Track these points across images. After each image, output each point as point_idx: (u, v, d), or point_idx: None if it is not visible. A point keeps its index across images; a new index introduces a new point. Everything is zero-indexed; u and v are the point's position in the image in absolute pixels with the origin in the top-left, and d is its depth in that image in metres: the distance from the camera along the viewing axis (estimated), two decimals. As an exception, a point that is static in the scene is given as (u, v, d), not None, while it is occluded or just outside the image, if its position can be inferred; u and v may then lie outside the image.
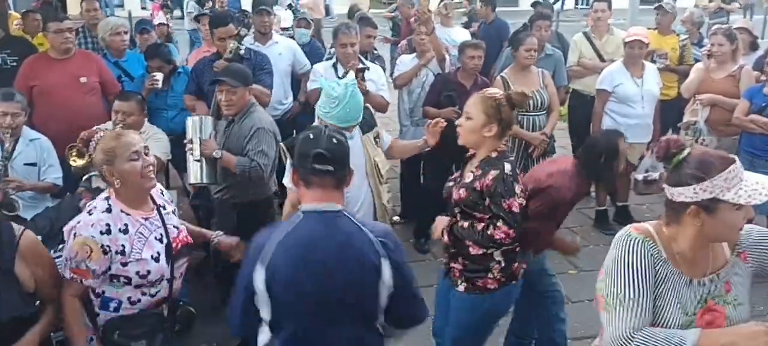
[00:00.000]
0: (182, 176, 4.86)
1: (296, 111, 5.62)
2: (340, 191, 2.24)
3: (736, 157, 1.89)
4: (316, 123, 3.38)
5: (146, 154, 2.63)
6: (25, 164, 3.98)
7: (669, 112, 5.95)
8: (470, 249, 2.96)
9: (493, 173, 2.83)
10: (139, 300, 2.64)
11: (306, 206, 2.20)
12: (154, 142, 4.13)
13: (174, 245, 2.70)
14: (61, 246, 3.14)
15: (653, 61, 5.89)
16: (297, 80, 5.72)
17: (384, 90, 5.12)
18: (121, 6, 17.55)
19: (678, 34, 6.56)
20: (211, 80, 4.15)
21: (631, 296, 1.87)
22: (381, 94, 5.03)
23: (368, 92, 4.92)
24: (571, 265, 5.03)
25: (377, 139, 3.65)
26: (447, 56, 5.63)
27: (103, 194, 2.66)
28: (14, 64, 5.25)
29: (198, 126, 3.79)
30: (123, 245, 2.53)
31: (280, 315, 2.16)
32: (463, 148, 5.21)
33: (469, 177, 2.92)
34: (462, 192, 2.92)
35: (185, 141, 3.84)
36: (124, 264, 2.54)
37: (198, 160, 3.78)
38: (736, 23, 6.29)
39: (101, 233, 2.50)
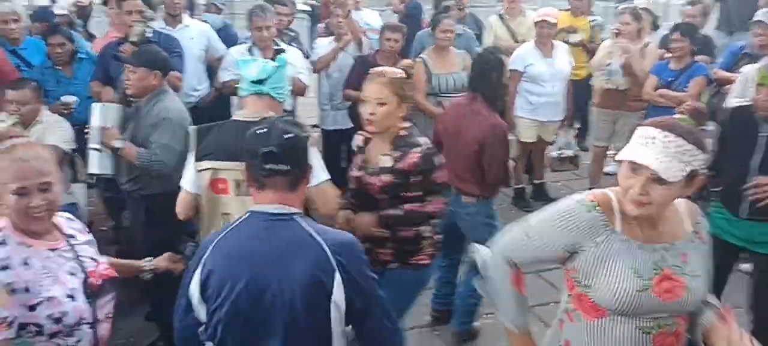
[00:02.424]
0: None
1: (212, 98, 5.42)
2: (297, 192, 2.01)
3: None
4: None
5: (45, 190, 2.04)
6: None
7: (580, 92, 6.14)
8: (402, 233, 2.94)
9: (416, 151, 2.83)
10: None
11: (254, 206, 2.01)
12: (55, 131, 3.89)
13: (92, 280, 2.15)
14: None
15: (566, 42, 6.06)
16: (213, 67, 5.52)
17: (303, 73, 5.02)
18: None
19: (587, 17, 6.77)
20: (113, 57, 3.95)
21: (533, 235, 2.01)
22: (299, 77, 4.94)
23: (286, 75, 4.83)
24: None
25: None
26: (364, 39, 5.61)
27: None
28: None
29: (102, 113, 3.58)
30: (27, 283, 2.00)
31: (216, 327, 1.95)
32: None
33: (386, 161, 2.86)
34: (385, 178, 2.85)
35: (86, 128, 3.62)
36: (32, 307, 1.99)
37: (97, 149, 3.57)
38: (639, 4, 6.58)
39: (1, 269, 1.98)
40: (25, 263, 2.01)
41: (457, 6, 6.44)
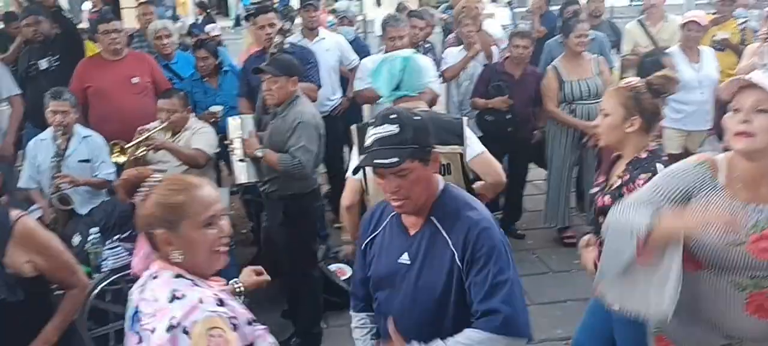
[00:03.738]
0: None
1: (345, 106, 5.59)
2: None
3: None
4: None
5: (222, 218, 1.83)
6: (79, 161, 4.06)
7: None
8: None
9: (644, 177, 2.49)
10: None
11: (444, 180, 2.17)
12: (200, 135, 4.16)
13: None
14: (116, 236, 3.17)
15: (713, 45, 5.68)
16: (344, 77, 5.69)
17: (433, 82, 5.04)
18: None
19: (736, 19, 6.30)
20: (253, 69, 4.14)
21: (646, 195, 2.10)
22: (431, 87, 4.96)
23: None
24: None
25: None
26: (495, 50, 5.56)
27: (165, 275, 1.77)
28: (57, 64, 5.25)
29: (238, 126, 3.79)
30: (246, 316, 1.83)
31: None
32: (513, 138, 5.19)
33: (616, 182, 2.62)
34: (607, 199, 2.60)
35: (226, 142, 3.86)
36: None
37: (242, 161, 3.77)
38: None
39: (218, 304, 1.73)
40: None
41: (593, 13, 6.24)
